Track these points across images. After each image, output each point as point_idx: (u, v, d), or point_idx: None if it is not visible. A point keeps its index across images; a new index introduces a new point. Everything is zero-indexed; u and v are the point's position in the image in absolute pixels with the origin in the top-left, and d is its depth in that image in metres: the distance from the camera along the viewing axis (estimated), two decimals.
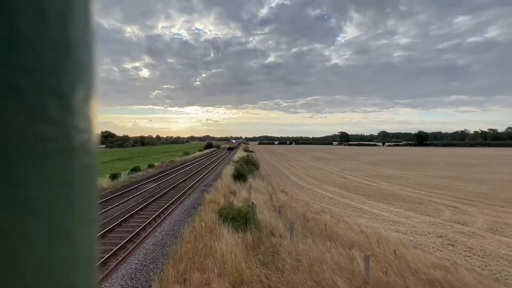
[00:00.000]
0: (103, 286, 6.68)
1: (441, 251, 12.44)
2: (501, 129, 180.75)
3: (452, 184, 28.99)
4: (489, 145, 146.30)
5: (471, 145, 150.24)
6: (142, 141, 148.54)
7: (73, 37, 0.25)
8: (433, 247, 12.81)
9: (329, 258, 7.32)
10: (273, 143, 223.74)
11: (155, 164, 35.30)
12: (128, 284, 6.76)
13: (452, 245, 13.12)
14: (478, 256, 11.95)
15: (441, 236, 14.19)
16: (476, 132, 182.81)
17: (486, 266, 11.06)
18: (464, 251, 12.45)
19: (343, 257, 7.58)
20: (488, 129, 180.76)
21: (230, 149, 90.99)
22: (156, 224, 11.45)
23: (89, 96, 0.28)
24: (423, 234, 14.63)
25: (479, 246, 12.87)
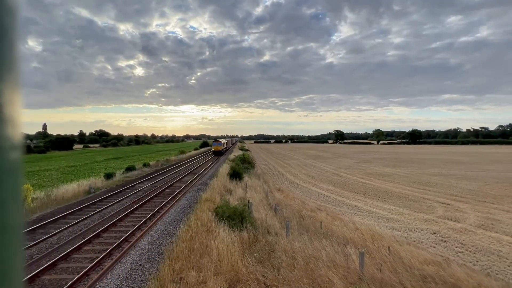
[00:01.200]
0: (98, 286, 6.63)
1: (434, 247, 12.65)
2: (492, 127, 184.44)
3: (445, 182, 29.44)
4: (481, 143, 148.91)
5: (464, 143, 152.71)
6: (137, 140, 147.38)
7: None
8: (426, 244, 13.01)
9: (325, 255, 7.38)
10: (269, 142, 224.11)
11: (150, 163, 35.06)
12: (123, 284, 6.72)
13: (445, 241, 13.35)
14: (470, 251, 12.19)
15: (434, 233, 14.42)
16: (468, 130, 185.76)
17: (477, 261, 11.29)
18: (456, 247, 12.68)
19: (338, 254, 7.64)
20: (480, 127, 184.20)
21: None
22: (151, 223, 11.38)
23: None
24: (416, 230, 14.85)
25: (471, 242, 13.13)
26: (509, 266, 10.92)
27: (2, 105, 0.24)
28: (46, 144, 79.25)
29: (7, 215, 0.24)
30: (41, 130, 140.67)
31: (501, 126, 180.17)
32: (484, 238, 13.66)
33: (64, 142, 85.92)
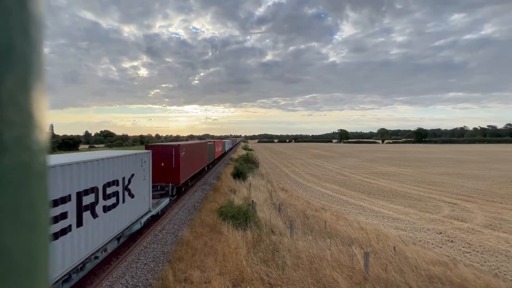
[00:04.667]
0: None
1: (441, 247, 12.49)
2: (500, 125, 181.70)
3: (451, 181, 29.06)
4: (489, 142, 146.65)
5: (470, 142, 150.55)
6: (142, 140, 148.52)
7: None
8: (432, 244, 12.86)
9: (329, 255, 7.35)
10: (273, 141, 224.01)
11: None
12: (129, 283, 6.79)
13: (451, 241, 13.18)
14: (477, 252, 12.02)
15: (441, 233, 14.25)
16: (475, 129, 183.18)
17: (485, 262, 11.12)
18: (463, 247, 12.51)
19: (343, 254, 7.60)
20: (487, 126, 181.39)
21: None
22: (156, 223, 11.46)
23: (25, 85, 0.25)
24: (422, 230, 14.69)
25: (478, 242, 12.94)
26: None
27: (32, 111, 0.25)
28: (53, 144, 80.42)
29: (37, 214, 0.25)
30: (48, 131, 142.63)
31: (509, 124, 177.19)
32: (491, 238, 13.45)
33: (70, 143, 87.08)
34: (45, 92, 0.27)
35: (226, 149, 55.82)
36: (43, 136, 0.27)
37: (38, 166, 0.26)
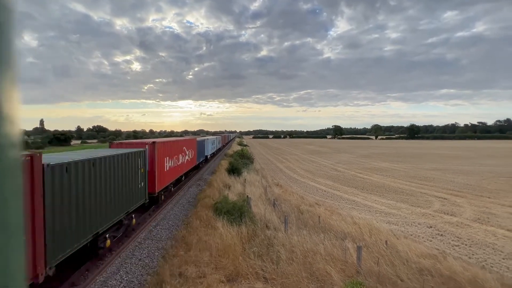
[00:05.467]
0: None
1: (431, 240, 12.81)
2: (489, 122, 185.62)
3: (442, 176, 29.67)
4: (479, 138, 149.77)
5: (461, 138, 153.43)
6: (135, 136, 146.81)
7: None
8: (423, 237, 13.18)
9: (323, 249, 7.46)
10: (268, 137, 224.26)
11: None
12: (123, 279, 6.77)
13: (441, 235, 13.52)
14: (466, 245, 12.37)
15: (431, 227, 14.59)
16: (466, 125, 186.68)
17: (473, 254, 11.46)
18: (452, 240, 12.85)
19: (336, 248, 7.73)
20: (478, 122, 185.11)
21: None
22: (151, 218, 11.43)
23: None
24: (413, 224, 15.02)
25: (466, 236, 13.30)
26: (503, 258, 11.10)
27: (1, 102, 0.25)
28: (44, 140, 78.92)
29: (8, 213, 0.24)
30: (38, 126, 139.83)
31: (499, 121, 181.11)
32: (479, 231, 13.85)
33: (61, 138, 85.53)
34: (17, 82, 0.26)
35: (210, 152, 33.27)
36: (14, 130, 0.25)
37: (8, 161, 0.25)
